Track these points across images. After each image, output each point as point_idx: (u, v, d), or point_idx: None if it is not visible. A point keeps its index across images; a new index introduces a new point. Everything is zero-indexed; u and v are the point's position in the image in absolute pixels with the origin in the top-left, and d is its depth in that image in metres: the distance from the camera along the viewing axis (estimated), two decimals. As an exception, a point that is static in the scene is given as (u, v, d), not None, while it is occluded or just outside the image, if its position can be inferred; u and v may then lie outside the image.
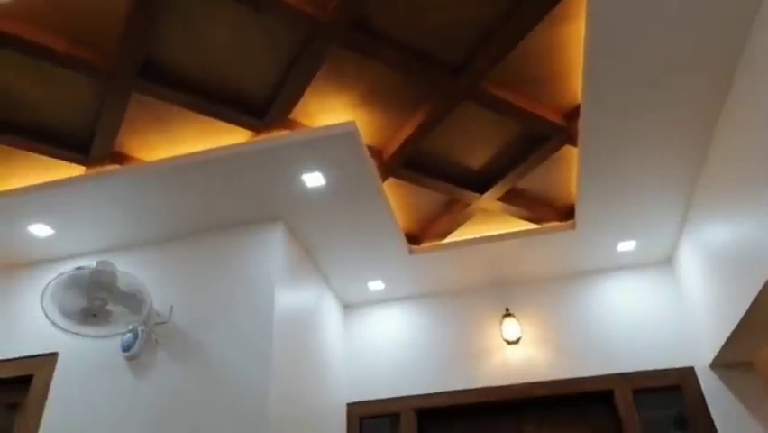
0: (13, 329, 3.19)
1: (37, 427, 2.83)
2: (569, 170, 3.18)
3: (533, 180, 3.27)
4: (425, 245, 3.67)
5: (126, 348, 2.90)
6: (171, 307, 3.00)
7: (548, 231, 3.53)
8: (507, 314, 3.81)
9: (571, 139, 2.89)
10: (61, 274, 2.71)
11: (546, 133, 2.89)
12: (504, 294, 3.97)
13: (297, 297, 3.24)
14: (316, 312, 3.55)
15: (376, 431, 3.72)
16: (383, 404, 3.75)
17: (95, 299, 2.68)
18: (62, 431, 2.81)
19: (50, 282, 2.69)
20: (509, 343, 3.74)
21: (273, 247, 3.08)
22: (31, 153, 2.88)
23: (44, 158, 2.91)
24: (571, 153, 3.04)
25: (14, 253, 3.33)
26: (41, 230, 3.15)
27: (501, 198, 3.36)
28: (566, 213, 3.49)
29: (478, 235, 3.64)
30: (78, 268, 2.72)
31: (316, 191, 2.99)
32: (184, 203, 3.05)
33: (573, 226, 3.46)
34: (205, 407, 2.70)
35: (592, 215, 3.32)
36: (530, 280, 3.98)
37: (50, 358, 3.00)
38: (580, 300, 3.84)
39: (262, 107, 2.71)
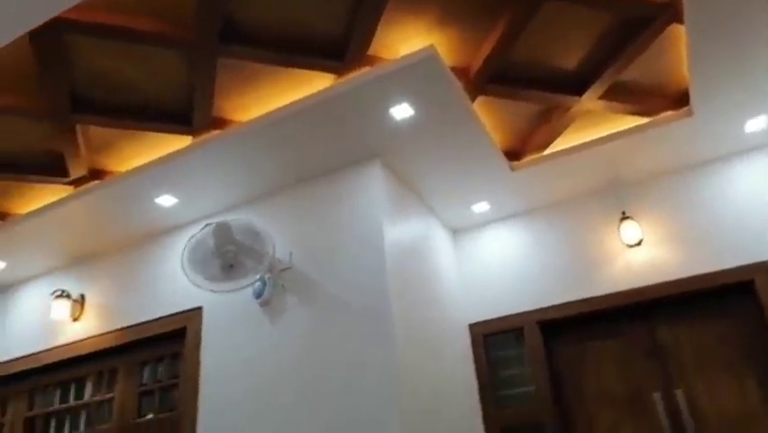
0: (164, 290, 3.59)
1: (197, 371, 3.23)
2: (677, 51, 2.87)
3: (636, 71, 2.99)
4: (525, 160, 3.55)
5: (258, 295, 3.17)
6: (290, 253, 3.21)
7: (661, 123, 3.25)
8: (625, 217, 3.63)
9: (677, 15, 2.58)
10: (192, 237, 3.00)
11: (645, 14, 2.61)
12: (618, 198, 3.75)
13: (405, 229, 3.32)
14: (426, 241, 3.62)
15: (501, 347, 3.80)
16: (505, 321, 3.80)
17: (226, 252, 2.94)
18: (217, 374, 3.18)
19: (185, 247, 2.99)
20: (630, 246, 3.59)
21: (374, 184, 3.15)
22: (144, 132, 3.13)
23: (155, 134, 3.15)
24: (679, 32, 2.73)
25: (150, 224, 3.70)
26: (167, 201, 3.46)
27: (603, 96, 3.12)
28: (679, 100, 3.18)
29: (582, 141, 3.44)
30: (206, 225, 2.98)
31: (406, 123, 2.98)
32: (284, 155, 3.18)
33: (690, 113, 3.15)
34: (334, 341, 2.91)
35: (710, 96, 3.00)
36: (646, 179, 3.72)
37: (197, 312, 3.38)
38: (706, 192, 3.54)
39: (341, 49, 2.71)
